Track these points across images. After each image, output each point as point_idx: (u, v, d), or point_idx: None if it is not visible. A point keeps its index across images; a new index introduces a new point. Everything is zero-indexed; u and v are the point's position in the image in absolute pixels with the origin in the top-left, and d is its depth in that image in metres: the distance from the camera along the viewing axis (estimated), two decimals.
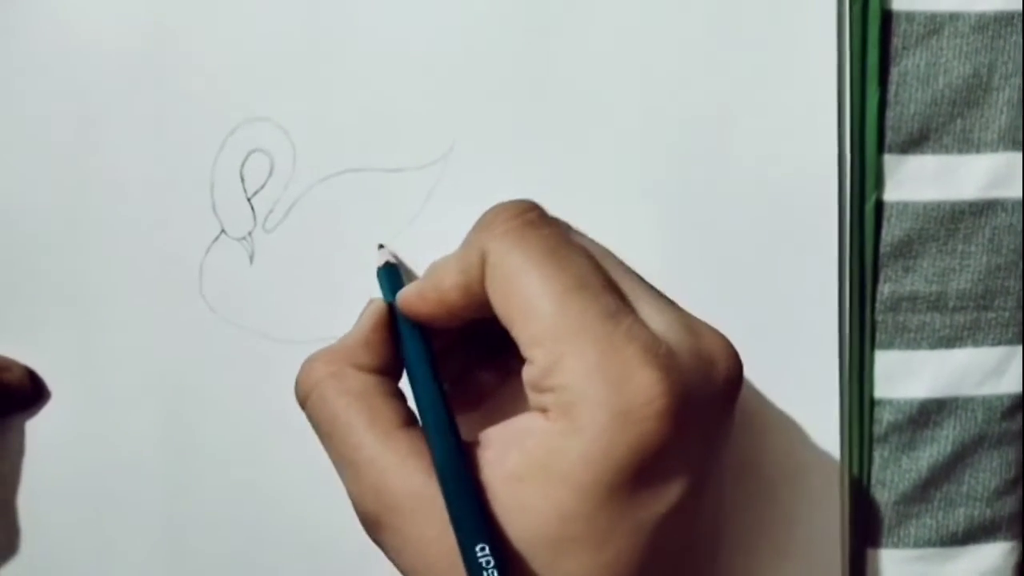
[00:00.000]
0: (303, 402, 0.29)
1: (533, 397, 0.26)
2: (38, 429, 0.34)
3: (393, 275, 0.31)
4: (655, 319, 0.26)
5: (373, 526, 0.27)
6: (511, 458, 0.25)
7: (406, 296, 0.29)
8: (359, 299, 0.32)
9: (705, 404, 0.26)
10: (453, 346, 0.31)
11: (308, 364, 0.29)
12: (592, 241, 0.29)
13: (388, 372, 0.29)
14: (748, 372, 0.33)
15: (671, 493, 0.25)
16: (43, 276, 0.33)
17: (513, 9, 0.32)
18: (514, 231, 0.27)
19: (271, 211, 0.33)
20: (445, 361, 0.29)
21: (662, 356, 0.25)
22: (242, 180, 0.33)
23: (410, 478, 0.26)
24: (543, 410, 0.25)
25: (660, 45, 0.32)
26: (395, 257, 0.32)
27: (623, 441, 0.24)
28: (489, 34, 0.33)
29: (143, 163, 0.33)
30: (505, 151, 0.33)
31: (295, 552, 0.34)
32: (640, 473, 0.24)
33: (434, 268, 0.29)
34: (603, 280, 0.26)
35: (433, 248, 0.32)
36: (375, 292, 0.32)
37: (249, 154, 0.33)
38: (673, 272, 0.33)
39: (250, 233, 0.33)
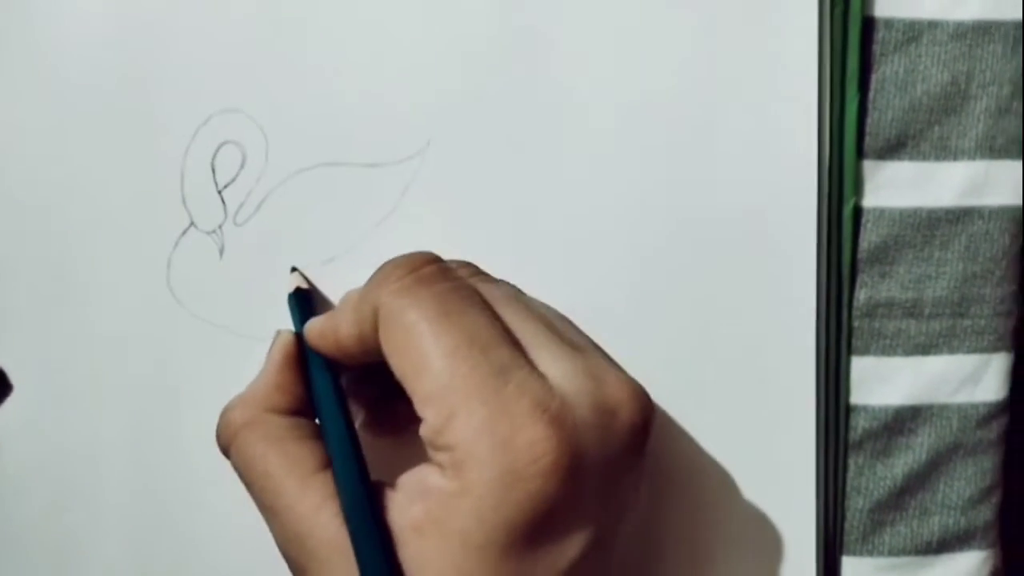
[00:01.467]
0: (225, 453, 0.29)
1: (431, 454, 0.26)
2: (1, 423, 0.33)
3: (304, 302, 0.31)
4: (554, 368, 0.26)
5: (298, 572, 0.27)
6: (414, 509, 0.25)
7: (310, 332, 0.29)
8: (330, 295, 0.32)
9: (604, 456, 0.25)
10: (366, 374, 0.30)
11: (226, 414, 0.29)
12: (499, 283, 0.28)
13: (304, 411, 0.29)
14: (723, 377, 0.33)
15: (571, 549, 0.25)
16: (5, 267, 0.32)
17: (494, 4, 0.32)
18: (406, 288, 0.26)
19: (242, 204, 0.32)
20: (358, 389, 0.29)
21: (552, 411, 0.25)
22: (213, 172, 0.32)
23: (326, 526, 0.26)
24: (439, 465, 0.25)
25: (640, 49, 0.32)
26: (308, 282, 0.32)
27: (511, 500, 0.24)
28: (469, 27, 0.32)
29: (111, 153, 0.32)
30: (484, 147, 0.32)
31: (262, 548, 0.32)
32: (533, 531, 0.24)
33: (334, 312, 0.28)
34: (497, 333, 0.26)
35: (408, 245, 0.32)
36: (346, 290, 0.31)
37: (220, 146, 0.32)
38: (649, 275, 0.32)
39: (220, 226, 0.32)
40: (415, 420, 0.29)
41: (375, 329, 0.26)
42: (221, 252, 0.32)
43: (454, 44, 0.32)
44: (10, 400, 0.33)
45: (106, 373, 0.33)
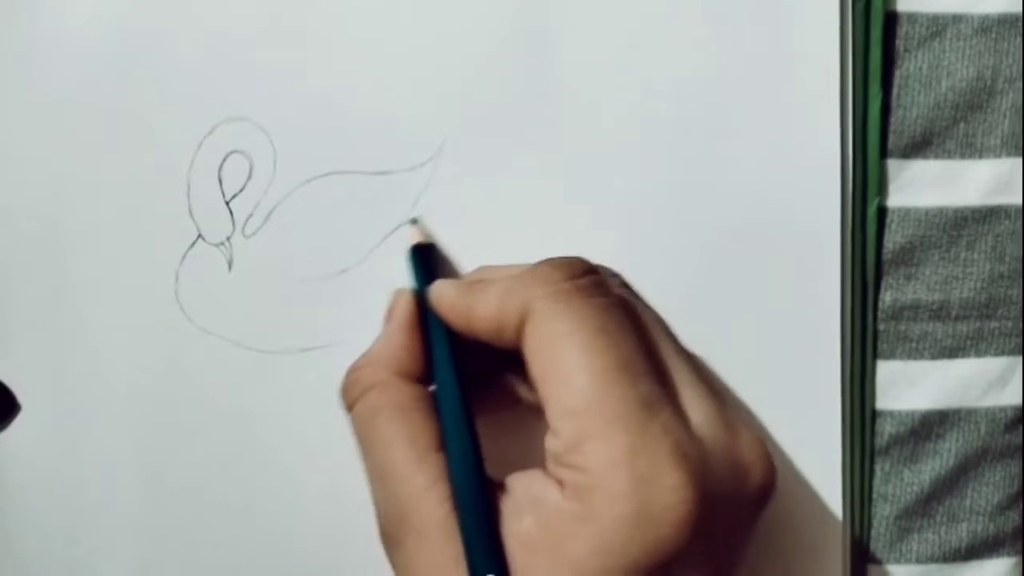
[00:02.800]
0: (348, 407, 0.28)
1: (552, 467, 0.25)
2: (8, 442, 0.32)
3: (425, 258, 0.30)
4: (694, 409, 0.25)
5: (391, 541, 0.26)
6: (525, 521, 0.24)
7: (436, 298, 0.28)
8: (343, 309, 0.31)
9: (731, 511, 0.25)
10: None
11: (355, 372, 0.28)
12: (645, 306, 0.27)
13: (427, 376, 0.28)
14: (748, 382, 0.32)
15: None
16: (13, 283, 0.31)
17: (505, 6, 0.31)
18: (564, 294, 0.25)
19: (250, 215, 0.31)
20: (473, 357, 0.28)
21: (693, 457, 0.24)
22: (220, 183, 0.31)
23: (433, 508, 0.25)
24: (560, 482, 0.24)
25: (658, 47, 0.31)
26: (428, 236, 0.31)
27: (640, 541, 0.23)
28: (480, 31, 0.31)
29: (117, 165, 0.31)
30: (497, 152, 0.31)
31: (272, 563, 0.32)
32: (650, 573, 0.23)
33: (470, 289, 0.27)
34: (647, 363, 0.25)
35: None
36: (360, 303, 0.31)
37: (227, 156, 0.31)
38: (670, 278, 0.31)
39: (228, 238, 0.31)
40: (523, 400, 0.29)
41: (519, 325, 0.25)
42: (230, 265, 0.31)
43: (464, 49, 0.31)
44: (19, 419, 0.32)
45: (115, 390, 0.32)
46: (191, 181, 0.31)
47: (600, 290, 0.26)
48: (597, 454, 0.23)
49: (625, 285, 0.28)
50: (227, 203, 0.31)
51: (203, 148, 0.31)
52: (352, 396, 0.28)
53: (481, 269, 0.30)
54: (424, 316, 0.28)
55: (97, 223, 0.31)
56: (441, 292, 0.28)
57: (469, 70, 0.31)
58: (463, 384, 0.27)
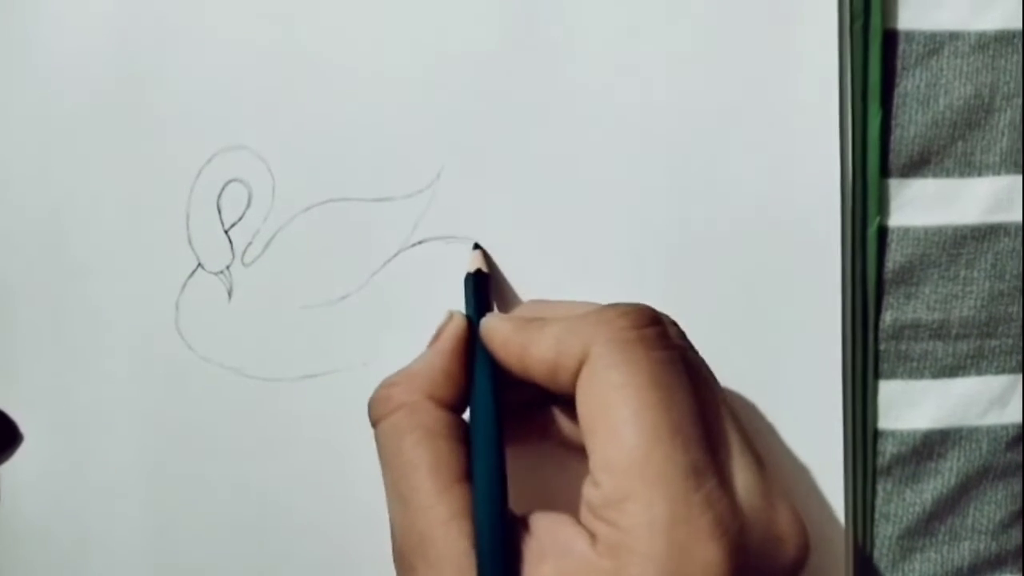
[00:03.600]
0: (375, 424, 0.27)
1: (587, 518, 0.24)
2: (11, 473, 0.32)
3: (481, 286, 0.29)
4: (739, 478, 0.25)
5: (404, 565, 0.26)
6: (546, 567, 0.24)
7: (489, 332, 0.27)
8: (344, 336, 0.31)
9: None
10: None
11: (387, 388, 0.27)
12: (703, 364, 0.27)
13: (463, 407, 0.27)
14: (749, 402, 0.32)
15: None
16: (13, 315, 0.31)
17: (502, 28, 0.30)
18: (627, 343, 0.25)
19: (250, 244, 0.31)
20: (511, 387, 0.28)
21: (732, 533, 0.23)
22: (219, 211, 0.31)
23: (453, 541, 0.24)
24: (592, 534, 0.24)
25: (657, 67, 0.31)
26: (487, 264, 0.30)
27: None
28: (477, 54, 0.31)
29: (115, 194, 0.31)
30: (496, 177, 0.31)
31: None
32: None
33: (525, 326, 0.27)
34: (699, 429, 0.24)
35: (422, 280, 0.31)
36: (360, 330, 0.31)
37: (226, 184, 0.31)
38: (672, 298, 0.31)
39: (228, 267, 0.31)
40: (556, 438, 0.28)
41: (575, 368, 0.25)
42: (230, 293, 0.31)
43: (463, 70, 0.31)
44: (23, 450, 0.31)
45: (117, 419, 0.31)
46: (190, 210, 0.31)
47: (664, 342, 0.25)
48: (637, 515, 0.23)
49: (684, 337, 0.27)
50: (226, 232, 0.31)
51: (201, 177, 0.31)
52: (380, 412, 0.27)
53: (533, 303, 0.29)
54: (472, 344, 0.28)
55: (97, 252, 0.31)
56: (494, 327, 0.27)
57: (466, 96, 0.31)
58: (500, 419, 0.26)
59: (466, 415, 0.27)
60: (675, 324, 0.27)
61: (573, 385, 0.25)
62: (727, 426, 0.26)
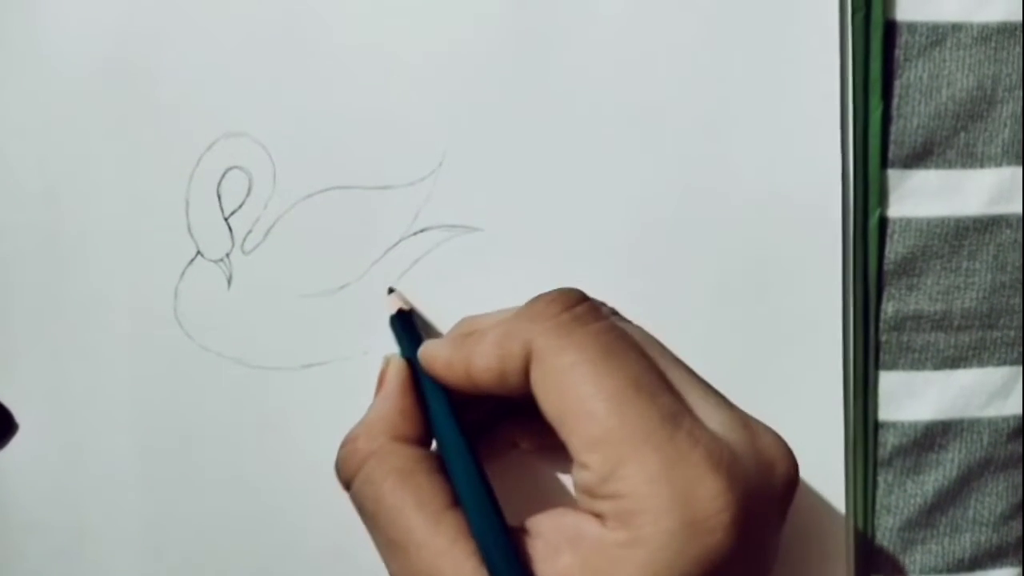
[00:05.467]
0: (347, 484, 0.27)
1: (586, 502, 0.24)
2: (7, 462, 0.31)
3: (407, 324, 0.29)
4: (713, 418, 0.25)
5: None
6: (563, 559, 0.23)
7: (429, 359, 0.27)
8: (344, 325, 0.31)
9: (765, 509, 0.24)
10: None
11: (349, 445, 0.27)
12: (638, 328, 0.27)
13: (427, 439, 0.27)
14: (751, 393, 0.31)
15: None
16: (10, 301, 0.31)
17: (506, 18, 0.30)
18: (563, 326, 0.25)
19: (250, 232, 0.30)
20: (467, 408, 0.27)
21: (726, 461, 0.23)
22: (219, 199, 0.30)
23: (463, 564, 0.24)
24: (598, 515, 0.23)
25: (659, 57, 0.30)
26: (407, 302, 0.30)
27: (689, 553, 0.22)
28: (479, 43, 0.30)
29: (114, 181, 0.30)
30: (498, 166, 0.30)
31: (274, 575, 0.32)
32: None
33: (462, 342, 0.26)
34: (658, 379, 0.24)
35: (424, 269, 0.30)
36: (360, 318, 0.30)
37: (226, 171, 0.30)
38: (671, 290, 0.31)
39: (227, 255, 0.30)
40: (521, 445, 0.28)
41: (522, 368, 0.25)
42: (229, 281, 0.30)
43: (465, 58, 0.30)
44: (18, 438, 0.31)
45: (115, 407, 0.31)
46: (190, 197, 0.30)
47: (597, 315, 0.25)
48: (633, 478, 0.23)
49: (615, 313, 0.27)
50: (226, 219, 0.30)
51: (202, 164, 0.30)
52: (350, 470, 0.27)
53: (464, 321, 0.29)
54: (417, 380, 0.28)
55: (96, 240, 0.30)
56: (432, 352, 0.27)
57: (469, 84, 0.30)
58: (469, 439, 0.26)
59: (434, 447, 0.27)
60: (604, 305, 0.27)
61: (525, 385, 0.25)
62: (682, 376, 0.25)
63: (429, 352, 0.27)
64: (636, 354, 0.25)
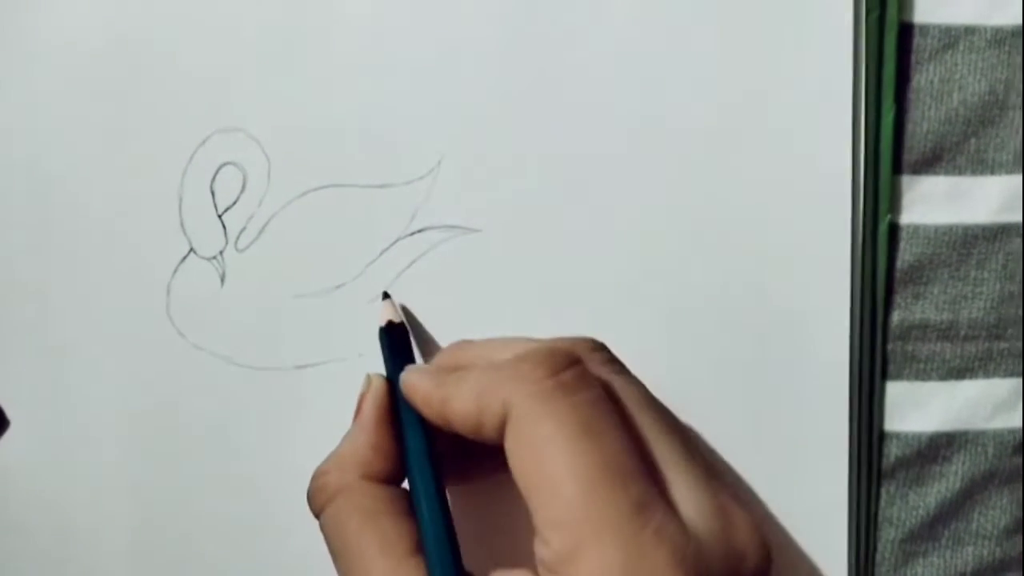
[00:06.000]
0: (317, 515, 0.27)
1: (543, 573, 0.23)
2: None
3: (397, 339, 0.28)
4: (687, 501, 0.24)
5: None
6: None
7: (409, 389, 0.27)
8: (338, 325, 0.30)
9: None
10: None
11: (320, 477, 0.27)
12: (636, 387, 0.26)
13: (400, 477, 0.27)
14: (753, 402, 0.31)
15: None
16: (3, 297, 0.30)
17: (507, 16, 0.29)
18: (546, 393, 0.24)
19: (244, 229, 0.30)
20: (446, 437, 0.27)
21: (691, 561, 0.22)
22: (212, 196, 0.30)
23: None
24: None
25: (665, 56, 0.29)
26: (401, 312, 0.29)
27: None
28: (479, 41, 0.29)
29: (106, 177, 0.30)
30: (497, 166, 0.30)
31: None
32: None
33: (443, 381, 0.26)
34: (635, 462, 0.23)
35: (420, 270, 0.30)
36: (355, 319, 0.30)
37: (220, 167, 0.29)
38: (675, 296, 0.30)
39: (221, 252, 0.30)
40: (499, 474, 0.27)
41: (499, 426, 0.24)
42: (222, 279, 0.30)
43: (465, 55, 0.29)
44: (8, 436, 0.30)
45: (106, 405, 0.30)
46: (183, 194, 0.29)
47: (583, 383, 0.24)
48: (592, 565, 0.22)
49: (611, 360, 0.26)
50: (220, 216, 0.30)
51: (195, 159, 0.29)
52: (319, 503, 0.27)
53: (454, 347, 0.28)
54: (396, 403, 0.27)
55: (88, 236, 0.30)
56: (413, 382, 0.26)
57: (468, 83, 0.29)
58: (439, 479, 0.26)
59: (406, 483, 0.27)
60: (600, 348, 0.26)
61: (500, 438, 0.24)
62: (666, 451, 0.24)
63: (410, 382, 0.27)
64: (616, 433, 0.24)
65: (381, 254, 0.30)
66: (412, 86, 0.29)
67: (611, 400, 0.24)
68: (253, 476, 0.30)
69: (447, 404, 0.25)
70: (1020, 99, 0.31)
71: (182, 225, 0.30)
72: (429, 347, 0.30)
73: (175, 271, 0.30)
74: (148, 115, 0.29)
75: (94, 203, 0.30)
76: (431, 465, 0.26)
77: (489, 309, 0.30)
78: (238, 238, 0.30)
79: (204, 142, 0.29)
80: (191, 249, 0.30)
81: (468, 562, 0.25)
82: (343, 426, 0.28)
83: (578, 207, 0.30)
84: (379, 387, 0.28)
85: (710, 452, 0.30)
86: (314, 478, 0.27)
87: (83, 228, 0.30)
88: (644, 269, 0.30)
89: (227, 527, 0.31)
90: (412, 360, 0.28)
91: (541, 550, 0.23)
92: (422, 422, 0.26)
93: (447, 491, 0.26)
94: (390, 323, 0.29)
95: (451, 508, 0.26)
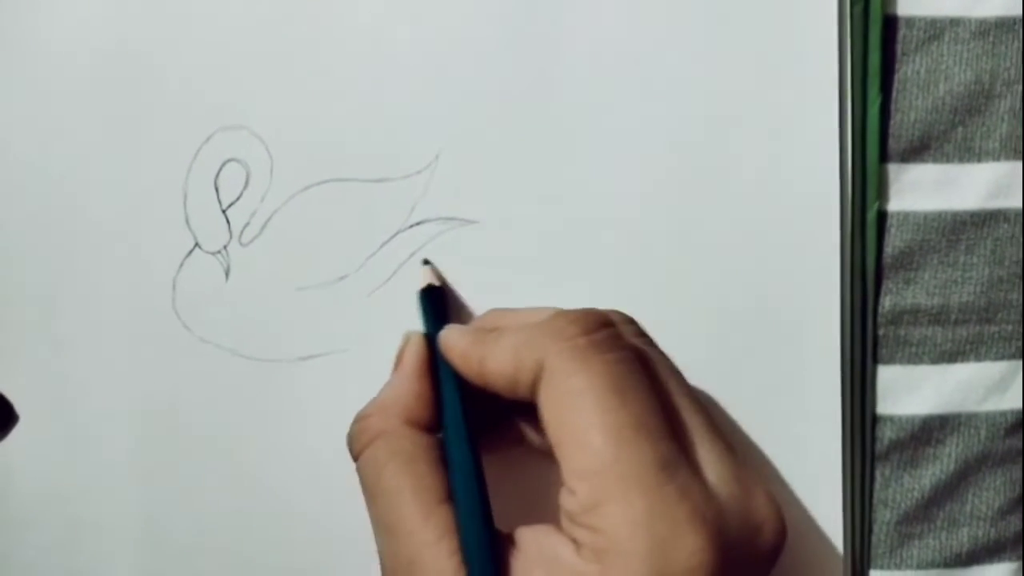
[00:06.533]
0: (355, 457, 0.27)
1: (568, 525, 0.24)
2: (6, 454, 0.31)
3: (436, 300, 0.29)
4: (710, 467, 0.24)
5: None
6: None
7: (447, 346, 0.27)
8: (341, 317, 0.31)
9: (745, 569, 0.24)
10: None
11: (363, 419, 0.27)
12: (661, 356, 0.27)
13: (438, 427, 0.27)
14: (746, 388, 0.31)
15: None
16: (10, 295, 0.31)
17: (504, 11, 0.30)
18: (580, 350, 0.24)
19: (247, 224, 0.30)
20: (483, 398, 0.27)
21: (711, 520, 0.23)
22: (216, 191, 0.30)
23: (443, 562, 0.24)
24: (576, 541, 0.24)
25: (656, 50, 0.30)
26: (440, 277, 0.30)
27: None
28: (477, 37, 0.30)
29: (112, 174, 0.30)
30: (495, 159, 0.30)
31: (270, 571, 0.31)
32: None
33: (482, 338, 0.26)
34: (663, 421, 0.24)
35: (419, 264, 0.30)
36: (357, 310, 0.30)
37: (224, 164, 0.30)
38: (666, 285, 0.31)
39: (225, 247, 0.30)
40: (534, 443, 0.28)
41: (533, 381, 0.25)
42: (227, 273, 0.30)
43: (463, 52, 0.30)
44: (17, 430, 0.31)
45: (113, 399, 0.31)
46: (188, 190, 0.30)
47: (616, 344, 0.25)
48: (615, 516, 0.23)
49: (641, 334, 0.27)
50: (224, 212, 0.30)
51: (200, 156, 0.30)
52: (360, 444, 0.27)
53: (491, 313, 0.29)
54: (434, 361, 0.28)
55: (94, 232, 0.30)
56: (452, 340, 0.27)
57: (466, 77, 0.30)
58: (472, 434, 0.26)
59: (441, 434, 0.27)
60: (631, 322, 0.27)
61: (534, 395, 0.25)
62: (692, 418, 0.25)
63: (448, 339, 0.27)
64: (646, 392, 0.24)
65: (381, 247, 0.30)
66: (409, 82, 0.30)
67: (641, 365, 0.25)
68: (259, 466, 0.31)
69: (484, 361, 0.26)
70: (1006, 88, 0.31)
71: (187, 221, 0.30)
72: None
73: (180, 266, 0.30)
74: (153, 114, 0.30)
75: (100, 200, 0.30)
76: (465, 420, 0.26)
77: (487, 299, 0.30)
78: (242, 233, 0.30)
79: (208, 139, 0.30)
80: (196, 244, 0.30)
81: (496, 519, 0.25)
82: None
83: (574, 198, 0.30)
84: (418, 341, 0.28)
85: None
86: (356, 421, 0.27)
87: (90, 224, 0.30)
88: (638, 259, 0.30)
89: (233, 519, 0.31)
90: (447, 322, 0.29)
91: (567, 500, 0.24)
92: (458, 379, 0.27)
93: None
94: (430, 286, 0.29)
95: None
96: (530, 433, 0.28)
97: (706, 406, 0.26)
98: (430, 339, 0.28)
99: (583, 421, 0.24)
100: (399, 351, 0.28)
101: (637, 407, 0.24)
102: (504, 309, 0.29)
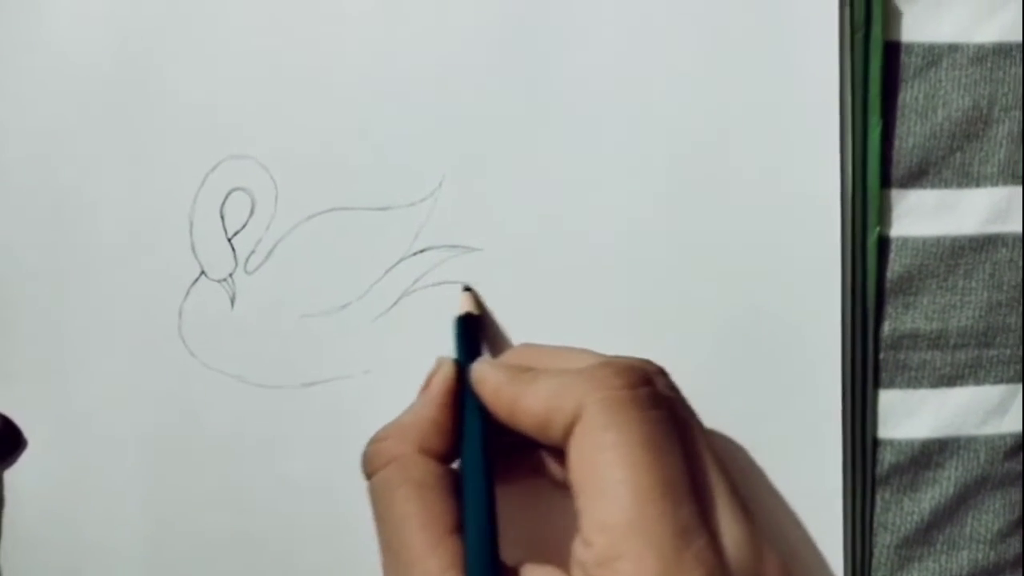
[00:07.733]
0: (368, 476, 0.27)
1: (578, 574, 0.24)
2: (14, 479, 0.31)
3: (471, 329, 0.29)
4: (727, 531, 0.24)
5: None
6: None
7: (479, 380, 0.27)
8: (345, 344, 0.31)
9: None
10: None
11: (379, 442, 0.27)
12: (690, 413, 0.27)
13: (453, 457, 0.27)
14: (749, 412, 0.31)
15: None
16: (17, 321, 0.31)
17: (503, 39, 0.30)
18: (619, 403, 0.24)
19: (252, 252, 0.30)
20: (500, 429, 0.27)
21: None
22: (222, 219, 0.30)
23: None
24: None
25: (658, 77, 0.30)
26: (480, 306, 0.30)
27: None
28: (478, 64, 0.30)
29: (119, 202, 0.30)
30: (497, 186, 0.30)
31: None
32: None
33: (516, 377, 0.26)
34: (688, 486, 0.24)
35: (423, 291, 0.30)
36: (361, 338, 0.30)
37: (229, 193, 0.30)
38: (668, 309, 0.31)
39: (231, 275, 0.30)
40: (547, 478, 0.28)
41: (566, 425, 0.25)
42: (232, 301, 0.30)
43: (464, 80, 0.30)
44: (25, 456, 0.31)
45: (118, 425, 0.31)
46: (194, 218, 0.30)
47: (655, 401, 0.25)
48: (629, 574, 0.23)
49: (672, 387, 0.27)
50: (229, 240, 0.30)
51: (205, 185, 0.30)
52: (373, 466, 0.27)
53: (524, 348, 0.29)
54: (462, 389, 0.27)
55: (101, 259, 0.30)
56: (484, 374, 0.27)
57: (468, 105, 0.30)
58: (490, 468, 0.26)
59: (457, 463, 0.27)
60: (664, 374, 0.27)
61: (564, 441, 0.25)
62: (714, 479, 0.25)
63: (482, 373, 0.27)
64: (677, 456, 0.24)
65: (385, 274, 0.30)
66: (412, 111, 0.30)
67: (675, 427, 0.25)
68: (262, 491, 0.31)
69: (517, 400, 0.26)
70: (1004, 113, 0.31)
71: (193, 249, 0.30)
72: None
73: (187, 293, 0.30)
74: (161, 143, 0.30)
75: (108, 227, 0.30)
76: (484, 453, 0.26)
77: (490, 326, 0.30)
78: (247, 261, 0.30)
79: (214, 168, 0.30)
80: (202, 272, 0.30)
81: (503, 552, 0.25)
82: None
83: (576, 225, 0.30)
84: (449, 369, 0.28)
85: None
86: (372, 441, 0.27)
87: (97, 252, 0.30)
88: (639, 284, 0.31)
89: (237, 543, 0.31)
90: (480, 353, 0.28)
91: (582, 551, 0.24)
92: (483, 412, 0.27)
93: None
94: (469, 314, 0.29)
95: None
96: (547, 466, 0.28)
97: (727, 464, 0.26)
98: (460, 366, 0.28)
99: (613, 475, 0.23)
100: (429, 375, 0.28)
101: (668, 468, 0.24)
102: (538, 346, 0.29)
